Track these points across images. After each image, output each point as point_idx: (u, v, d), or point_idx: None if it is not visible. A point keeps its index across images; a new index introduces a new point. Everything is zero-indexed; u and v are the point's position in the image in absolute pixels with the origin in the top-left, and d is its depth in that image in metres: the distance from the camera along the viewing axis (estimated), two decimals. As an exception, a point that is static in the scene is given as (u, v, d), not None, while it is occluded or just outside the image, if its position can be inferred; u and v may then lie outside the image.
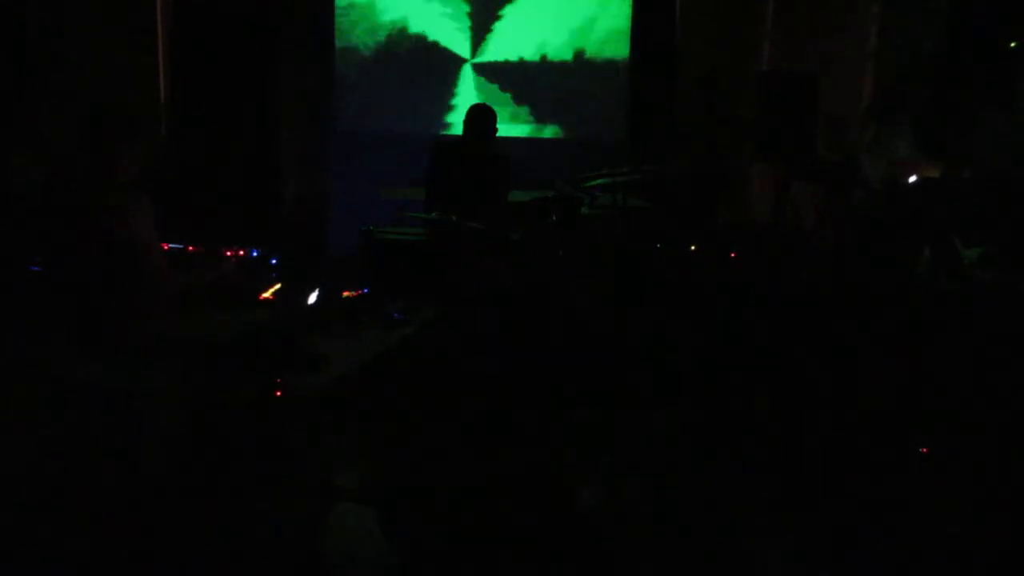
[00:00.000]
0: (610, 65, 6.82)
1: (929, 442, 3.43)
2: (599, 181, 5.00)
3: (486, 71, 6.87)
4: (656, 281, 5.03)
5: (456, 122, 6.72)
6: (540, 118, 6.91)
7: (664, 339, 4.58)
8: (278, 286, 3.22)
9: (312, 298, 3.17)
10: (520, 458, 3.54)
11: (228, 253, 3.42)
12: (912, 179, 4.79)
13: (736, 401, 4.05)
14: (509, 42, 6.84)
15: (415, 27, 6.84)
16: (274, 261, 3.49)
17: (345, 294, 3.30)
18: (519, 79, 6.86)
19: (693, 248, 5.46)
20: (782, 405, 3.93)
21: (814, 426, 3.74)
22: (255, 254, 3.48)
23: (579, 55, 6.84)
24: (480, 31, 6.84)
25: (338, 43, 6.81)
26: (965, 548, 2.83)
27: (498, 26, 6.84)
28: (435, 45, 6.85)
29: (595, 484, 3.48)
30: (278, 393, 2.47)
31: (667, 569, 2.84)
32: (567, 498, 3.33)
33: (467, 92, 6.85)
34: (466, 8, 6.81)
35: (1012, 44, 4.64)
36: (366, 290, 3.35)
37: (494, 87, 6.86)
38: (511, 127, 6.76)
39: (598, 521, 3.15)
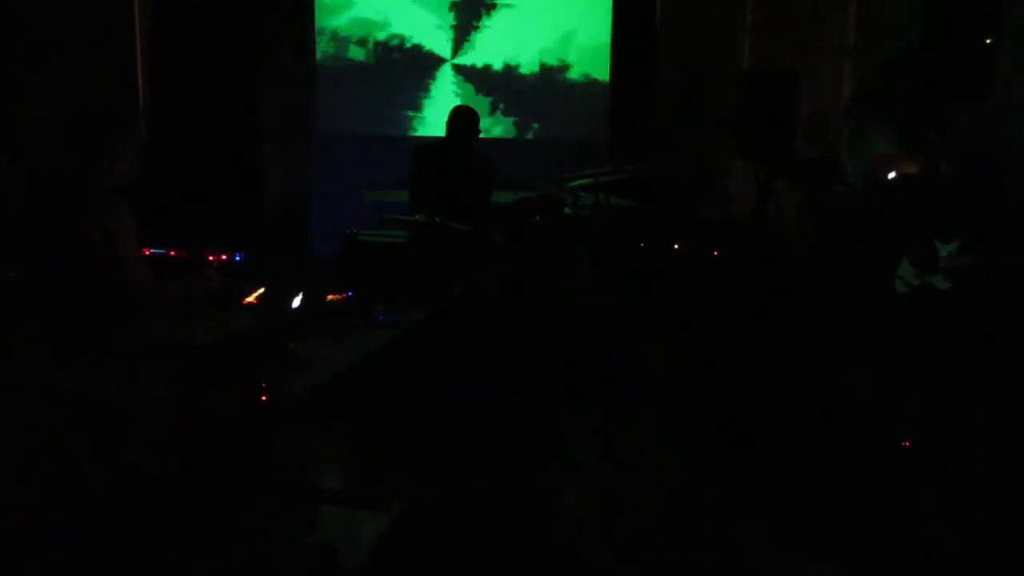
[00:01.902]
0: (591, 64, 6.84)
1: (912, 437, 3.46)
2: (582, 181, 5.02)
3: (467, 72, 6.87)
4: (641, 280, 5.04)
5: (438, 124, 6.71)
6: (522, 119, 6.92)
7: (648, 337, 4.60)
8: (262, 290, 3.21)
9: (296, 302, 3.16)
10: (507, 460, 3.54)
11: (211, 257, 3.41)
12: (892, 175, 4.82)
13: (722, 398, 4.07)
14: (490, 43, 6.85)
15: (396, 29, 6.83)
16: (238, 257, 3.47)
17: (329, 297, 3.30)
18: (501, 80, 6.87)
19: (676, 246, 5.48)
20: (768, 402, 3.95)
21: (800, 422, 3.76)
22: (238, 258, 3.47)
23: (560, 55, 6.86)
24: (462, 32, 6.84)
25: (318, 45, 6.79)
26: (959, 546, 2.85)
27: (480, 27, 6.84)
28: (416, 47, 6.85)
29: (584, 485, 3.49)
30: (263, 397, 2.46)
31: (662, 570, 2.85)
32: (555, 500, 3.33)
33: (448, 94, 6.85)
34: (448, 10, 6.81)
35: (988, 40, 4.69)
36: (350, 293, 3.34)
37: (476, 88, 6.86)
38: (493, 128, 6.77)
39: (587, 522, 3.16)
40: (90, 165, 2.85)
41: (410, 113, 6.92)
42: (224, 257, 3.44)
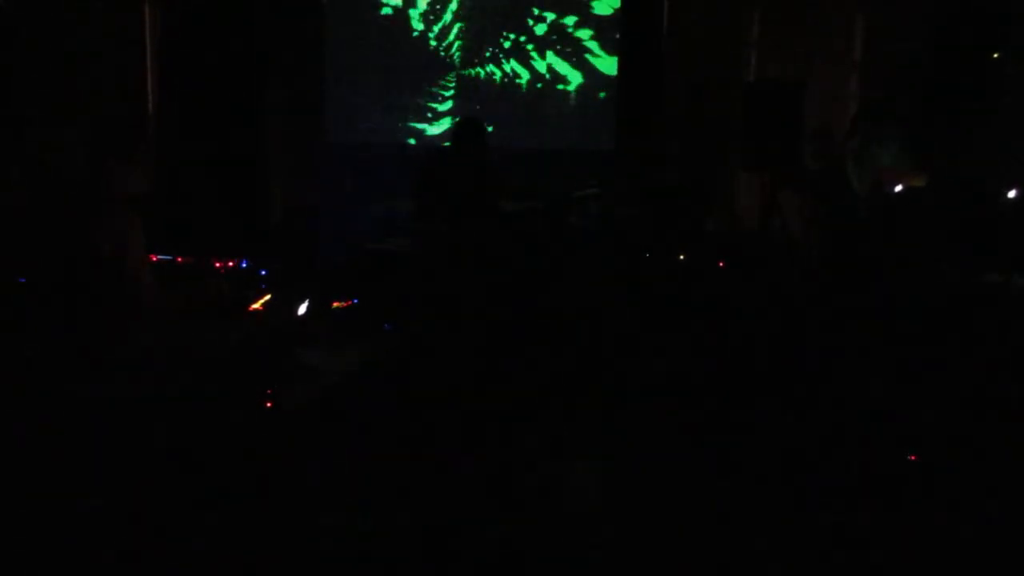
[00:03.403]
0: (598, 76, 6.86)
1: (918, 450, 3.45)
2: (588, 191, 5.03)
3: (474, 83, 6.89)
4: (647, 289, 5.05)
5: (444, 134, 6.74)
6: (528, 129, 6.94)
7: (653, 347, 4.59)
8: (268, 297, 3.23)
9: (302, 309, 3.18)
10: (510, 464, 3.54)
11: (217, 264, 3.43)
12: (898, 188, 4.83)
13: (727, 407, 4.06)
14: (498, 53, 6.88)
15: (403, 38, 6.86)
16: (264, 272, 3.51)
17: (335, 305, 3.32)
18: (507, 90, 6.89)
19: (682, 257, 5.48)
20: (771, 412, 3.95)
21: (803, 433, 3.76)
22: (245, 265, 3.49)
23: (567, 66, 6.88)
24: (469, 43, 6.87)
25: (326, 55, 6.82)
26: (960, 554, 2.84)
27: (487, 38, 6.87)
28: (424, 57, 6.88)
29: (589, 487, 3.49)
30: (269, 403, 2.47)
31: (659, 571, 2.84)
32: (560, 502, 3.33)
33: (455, 104, 6.88)
34: (456, 20, 6.84)
35: (995, 55, 4.70)
36: (356, 301, 3.36)
37: (482, 98, 6.88)
38: (499, 138, 6.78)
39: (590, 525, 3.16)
40: (101, 175, 2.87)
41: (416, 123, 6.95)
42: (231, 264, 3.47)
